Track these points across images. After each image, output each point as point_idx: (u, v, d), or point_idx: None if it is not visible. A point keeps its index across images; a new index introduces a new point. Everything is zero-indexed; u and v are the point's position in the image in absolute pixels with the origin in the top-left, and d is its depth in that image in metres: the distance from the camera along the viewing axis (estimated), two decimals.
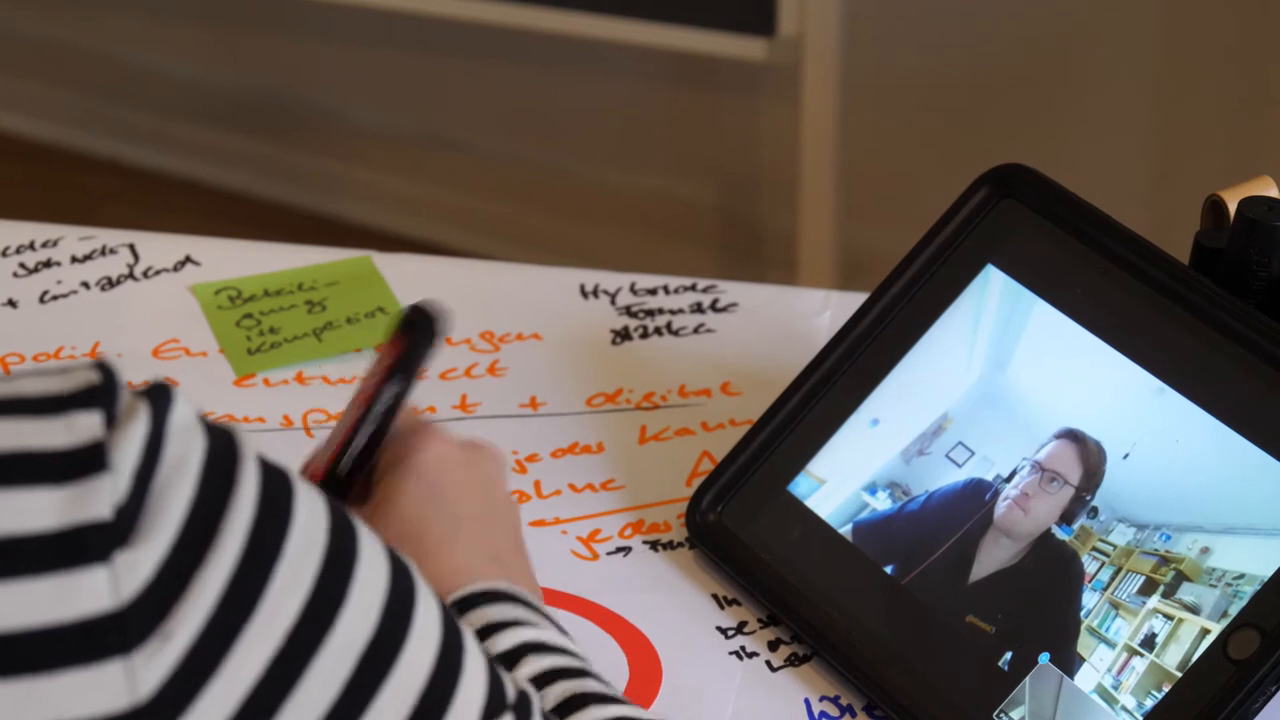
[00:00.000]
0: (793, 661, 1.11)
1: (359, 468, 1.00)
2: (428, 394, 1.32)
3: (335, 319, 1.38)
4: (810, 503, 1.16)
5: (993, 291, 1.15)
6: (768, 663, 1.11)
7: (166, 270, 1.44)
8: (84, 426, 0.70)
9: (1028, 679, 1.04)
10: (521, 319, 1.39)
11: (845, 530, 1.14)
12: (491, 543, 0.99)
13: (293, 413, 1.30)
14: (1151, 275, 1.09)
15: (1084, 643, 1.04)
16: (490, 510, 1.01)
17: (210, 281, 1.42)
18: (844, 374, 1.18)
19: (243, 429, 0.77)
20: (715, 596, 1.16)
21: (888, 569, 1.11)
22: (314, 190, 3.22)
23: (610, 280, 1.43)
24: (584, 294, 1.42)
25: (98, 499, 0.69)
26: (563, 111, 3.02)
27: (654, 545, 1.19)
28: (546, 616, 0.95)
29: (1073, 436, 1.09)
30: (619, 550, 1.19)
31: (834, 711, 1.08)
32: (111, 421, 0.70)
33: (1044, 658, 1.05)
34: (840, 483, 1.16)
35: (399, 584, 0.77)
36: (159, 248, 1.46)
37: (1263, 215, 1.08)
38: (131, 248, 1.45)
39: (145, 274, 1.44)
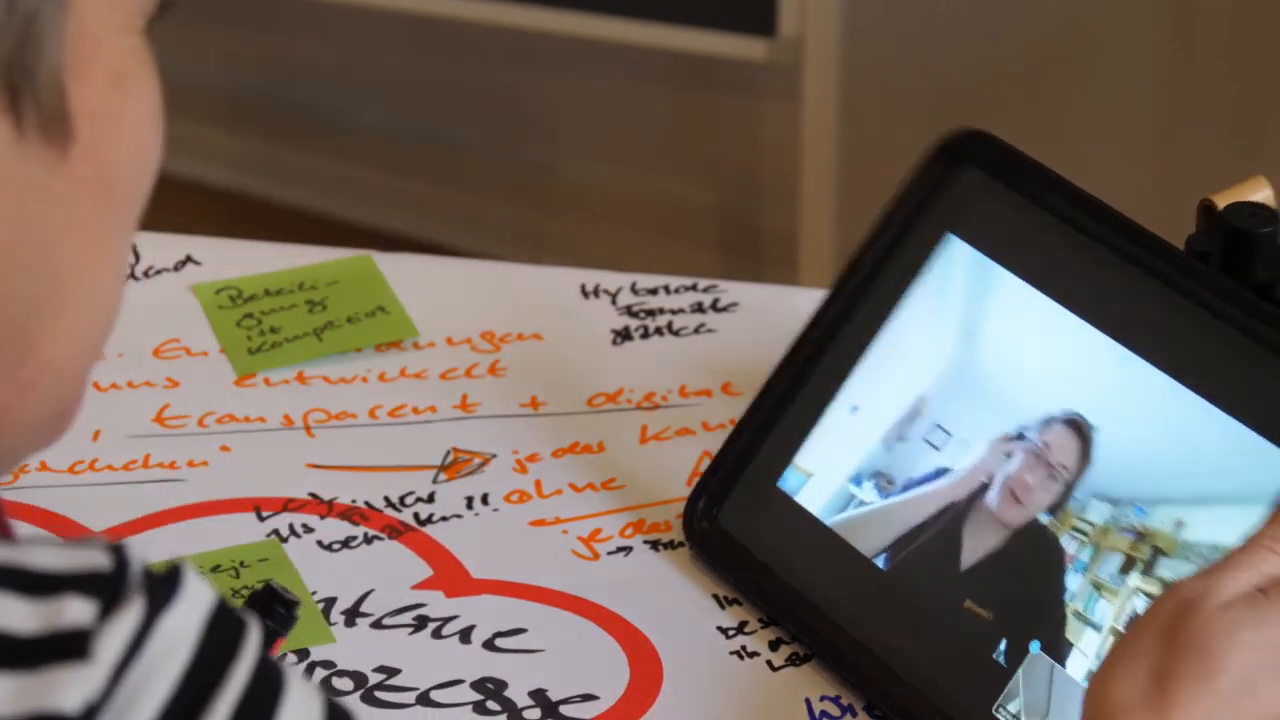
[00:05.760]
0: (793, 661, 1.11)
1: None
2: (428, 394, 1.32)
3: (335, 318, 1.38)
4: (800, 498, 1.14)
5: (956, 263, 1.13)
6: (768, 662, 1.11)
7: (166, 270, 1.44)
8: (72, 612, 0.64)
9: (1021, 670, 1.04)
10: (521, 319, 1.39)
11: (836, 525, 1.13)
12: None
13: (293, 412, 1.30)
14: (1113, 240, 1.07)
15: (1071, 628, 1.03)
16: None
17: (211, 281, 1.42)
18: (820, 362, 1.16)
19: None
20: (715, 596, 1.16)
21: (879, 562, 1.11)
22: (314, 190, 3.22)
23: (610, 280, 1.43)
24: (584, 294, 1.42)
25: (63, 691, 0.63)
26: (563, 111, 3.02)
27: (654, 545, 1.19)
28: None
29: (1074, 426, 1.07)
30: (620, 550, 1.19)
31: (834, 711, 1.08)
32: (105, 611, 0.64)
33: (1035, 646, 1.04)
34: (827, 475, 1.14)
35: None
36: (159, 248, 1.46)
37: (1246, 222, 1.07)
38: (132, 248, 1.45)
39: (145, 274, 1.44)
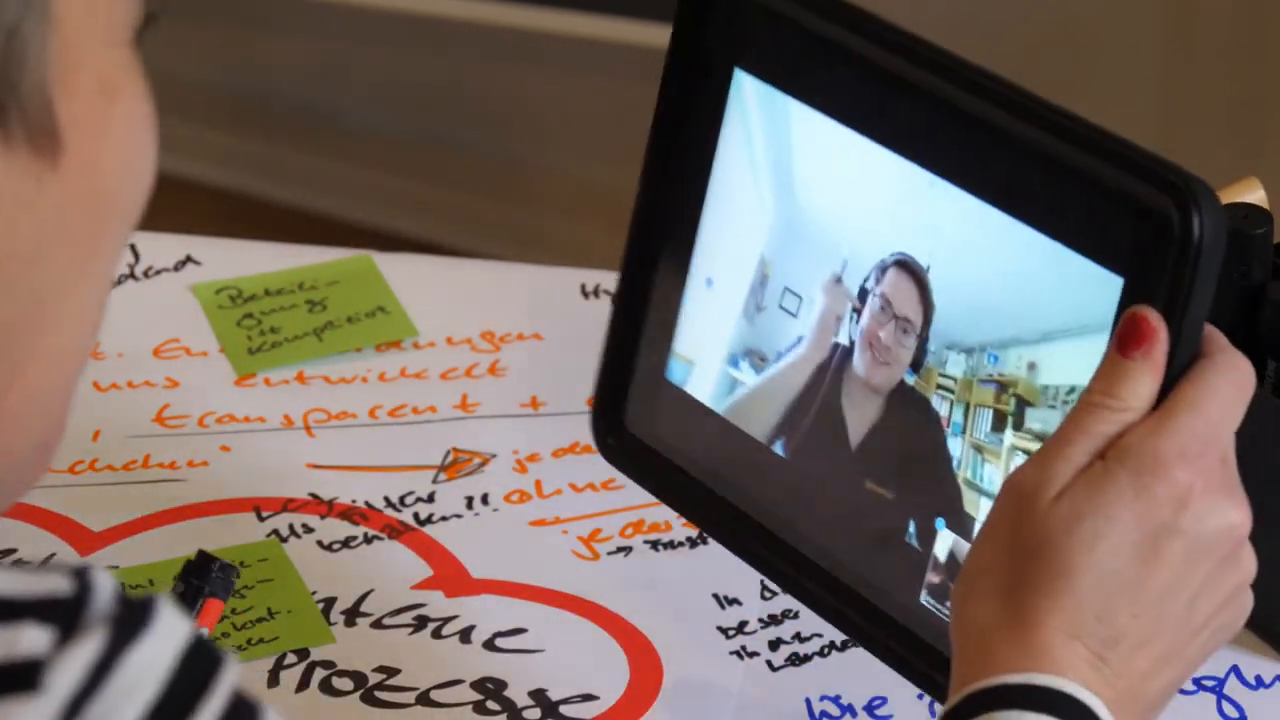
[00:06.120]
0: (793, 661, 1.11)
1: None
2: (429, 394, 1.32)
3: (336, 318, 1.38)
4: (690, 389, 1.06)
5: (750, 101, 1.02)
6: (768, 662, 1.11)
7: (166, 270, 1.44)
8: (27, 640, 0.60)
9: (935, 550, 0.96)
10: (521, 319, 1.39)
11: (726, 412, 1.04)
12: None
13: (293, 412, 1.30)
14: (899, 57, 0.98)
15: (968, 499, 0.95)
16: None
17: (210, 281, 1.42)
18: (663, 238, 1.06)
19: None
20: (715, 596, 1.16)
21: (778, 449, 1.03)
22: (314, 190, 3.22)
23: (610, 280, 1.42)
24: (584, 294, 1.42)
25: None
26: (562, 112, 3.02)
27: (654, 545, 1.19)
28: None
29: (907, 269, 0.97)
30: (619, 550, 1.19)
31: (834, 711, 1.08)
32: (62, 639, 0.61)
33: (940, 524, 0.96)
34: (706, 361, 1.05)
35: None
36: (159, 248, 1.46)
37: (1240, 223, 1.06)
38: (132, 248, 1.45)
39: (145, 274, 1.43)
